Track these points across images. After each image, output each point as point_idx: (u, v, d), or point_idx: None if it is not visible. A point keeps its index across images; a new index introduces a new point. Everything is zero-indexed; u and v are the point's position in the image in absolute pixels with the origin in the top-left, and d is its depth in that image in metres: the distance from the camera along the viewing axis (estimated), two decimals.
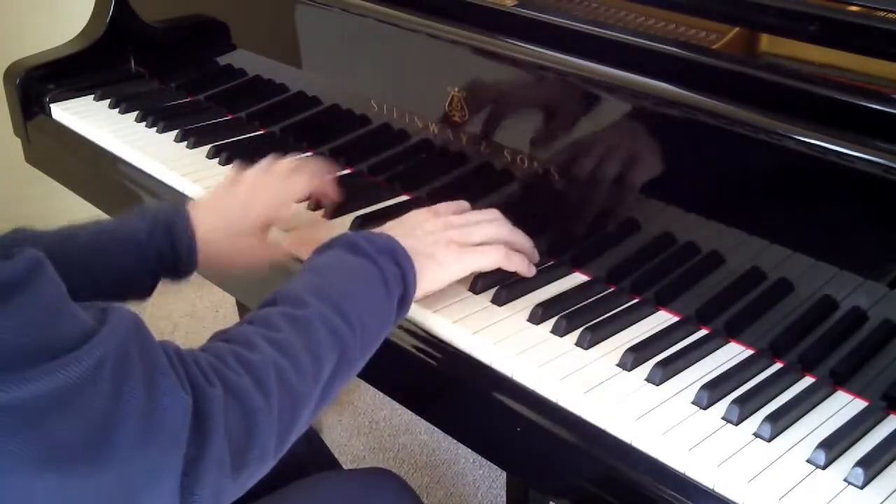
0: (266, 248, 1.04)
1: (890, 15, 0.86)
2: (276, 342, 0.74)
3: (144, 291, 0.96)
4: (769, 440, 0.79)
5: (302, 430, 0.76)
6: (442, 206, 0.99)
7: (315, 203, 1.14)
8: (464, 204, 1.01)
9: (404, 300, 0.87)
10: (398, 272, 0.86)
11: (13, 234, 0.91)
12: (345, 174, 1.24)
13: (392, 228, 0.94)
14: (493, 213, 0.99)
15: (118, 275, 0.93)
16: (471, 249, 0.94)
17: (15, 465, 0.56)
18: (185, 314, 2.29)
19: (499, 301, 0.96)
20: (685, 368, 0.87)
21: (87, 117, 1.43)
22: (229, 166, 1.25)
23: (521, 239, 0.99)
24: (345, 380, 0.82)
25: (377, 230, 0.93)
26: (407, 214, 0.97)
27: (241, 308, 1.78)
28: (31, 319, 0.57)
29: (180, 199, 1.23)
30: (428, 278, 0.90)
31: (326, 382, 0.78)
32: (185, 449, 0.63)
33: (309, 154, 1.25)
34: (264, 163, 1.06)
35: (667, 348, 0.89)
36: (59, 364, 0.57)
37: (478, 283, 0.98)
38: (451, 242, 0.93)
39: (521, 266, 0.97)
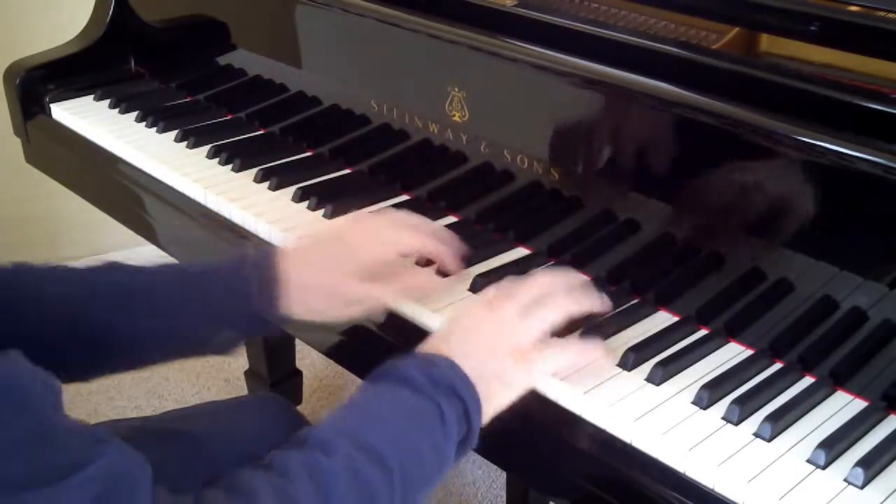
0: (363, 300, 0.92)
1: (890, 15, 0.86)
2: (285, 495, 0.67)
3: (225, 343, 0.91)
4: (769, 440, 0.79)
5: None
6: (493, 292, 0.87)
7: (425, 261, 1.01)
8: (515, 283, 0.87)
9: (467, 439, 0.78)
10: (461, 408, 0.77)
11: (107, 266, 0.89)
12: (345, 174, 1.24)
13: (449, 342, 0.82)
14: (550, 282, 0.87)
15: (198, 320, 0.88)
16: (540, 358, 0.83)
17: None
18: None
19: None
20: (685, 368, 0.87)
21: (87, 117, 1.43)
22: (233, 169, 1.25)
23: (587, 302, 0.87)
24: None
25: (433, 347, 0.82)
26: (461, 313, 0.86)
27: None
28: (8, 447, 0.54)
29: (179, 198, 1.23)
30: (494, 403, 0.81)
31: None
32: None
33: (406, 198, 1.14)
34: (374, 211, 0.98)
35: (667, 348, 0.89)
36: (40, 496, 0.54)
37: (478, 282, 0.98)
38: (517, 351, 0.82)
39: (597, 351, 0.87)
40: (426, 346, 0.83)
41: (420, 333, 0.94)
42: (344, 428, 0.74)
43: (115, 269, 0.89)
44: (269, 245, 1.08)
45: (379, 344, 0.97)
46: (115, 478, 0.59)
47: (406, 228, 0.95)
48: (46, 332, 0.84)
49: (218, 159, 1.28)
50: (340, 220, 0.97)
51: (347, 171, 1.25)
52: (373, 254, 0.92)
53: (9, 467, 0.55)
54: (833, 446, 0.77)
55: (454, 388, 0.77)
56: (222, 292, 0.88)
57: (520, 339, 0.83)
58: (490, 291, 0.88)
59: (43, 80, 1.49)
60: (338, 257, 0.91)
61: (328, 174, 1.24)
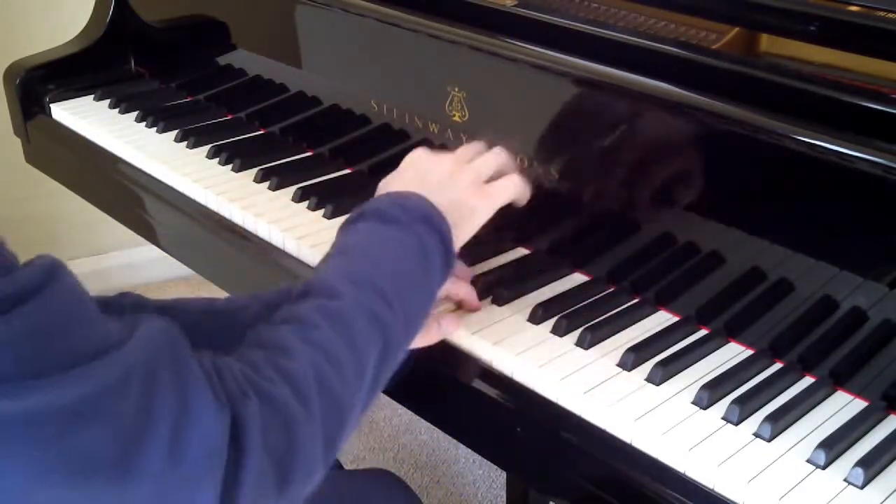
0: None
1: (890, 15, 0.86)
2: (313, 342, 0.71)
3: None
4: (769, 440, 0.79)
5: (352, 429, 0.73)
6: (433, 151, 0.94)
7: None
8: (447, 149, 0.96)
9: (447, 263, 0.83)
10: (437, 238, 0.82)
11: (119, 297, 0.87)
12: (345, 174, 1.24)
13: (407, 180, 0.89)
14: (480, 145, 0.96)
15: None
16: (492, 186, 0.91)
17: (41, 477, 0.54)
18: None
19: (499, 301, 0.96)
20: (685, 368, 0.87)
21: (87, 117, 1.43)
22: (233, 169, 1.25)
23: (511, 161, 0.95)
24: (393, 366, 0.78)
25: (395, 185, 0.88)
26: (409, 159, 0.92)
27: None
28: (44, 326, 0.55)
29: (179, 198, 1.23)
30: (463, 230, 0.87)
31: (374, 373, 0.74)
32: (222, 469, 0.61)
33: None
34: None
35: (667, 348, 0.89)
36: (75, 374, 0.55)
37: (478, 282, 0.98)
38: (473, 183, 0.89)
39: (527, 194, 0.94)
40: (385, 189, 0.89)
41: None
42: (341, 271, 0.77)
43: (131, 304, 0.86)
44: (298, 261, 1.07)
45: None
46: (159, 332, 0.62)
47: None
48: None
49: (218, 159, 1.28)
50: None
51: (347, 171, 1.25)
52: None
53: (76, 337, 0.56)
54: (833, 446, 0.77)
55: (430, 218, 0.82)
56: (237, 332, 0.87)
57: (472, 174, 0.90)
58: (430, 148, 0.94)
59: (43, 80, 1.49)
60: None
61: (328, 174, 1.24)
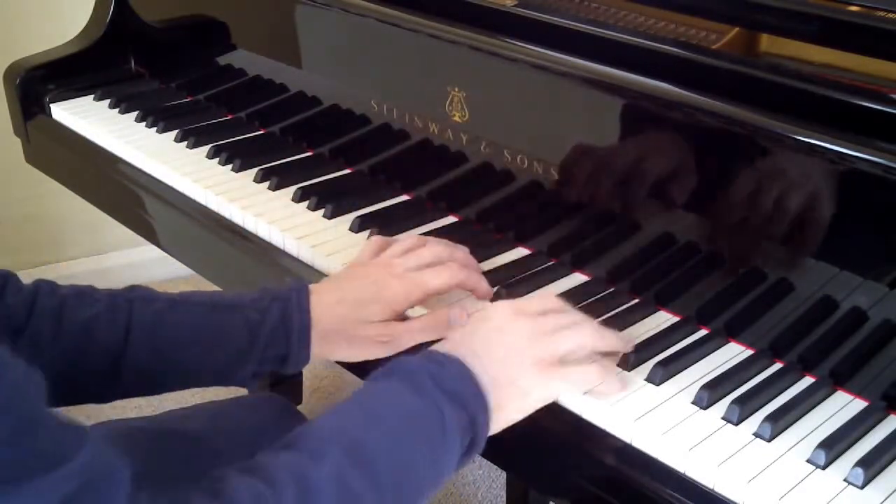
0: (386, 341, 0.90)
1: (890, 15, 0.86)
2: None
3: (247, 377, 0.88)
4: (769, 440, 0.79)
5: None
6: (527, 303, 0.84)
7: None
8: (552, 301, 0.86)
9: (473, 446, 0.75)
10: (465, 417, 0.73)
11: (128, 290, 0.88)
12: (345, 174, 1.24)
13: (469, 341, 0.79)
14: (580, 315, 0.85)
15: (223, 350, 0.87)
16: (560, 372, 0.80)
17: None
18: None
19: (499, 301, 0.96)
20: (685, 368, 0.87)
21: (87, 117, 1.43)
22: (233, 169, 1.25)
23: (612, 340, 0.85)
24: None
25: (452, 343, 0.79)
26: (487, 312, 0.83)
27: None
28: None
29: (179, 198, 1.23)
30: (508, 412, 0.78)
31: None
32: None
33: (454, 220, 1.10)
34: (406, 243, 0.96)
35: (667, 348, 0.89)
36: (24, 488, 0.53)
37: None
38: (538, 362, 0.79)
39: (615, 383, 0.83)
40: (446, 342, 0.80)
41: None
42: (338, 430, 0.71)
43: (140, 296, 0.88)
44: (298, 261, 1.07)
45: None
46: (97, 471, 0.58)
47: (436, 272, 0.92)
48: (63, 355, 0.84)
49: (218, 159, 1.28)
50: (374, 265, 0.94)
51: (347, 171, 1.25)
52: (404, 303, 0.91)
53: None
54: (833, 446, 0.77)
55: (460, 395, 0.73)
56: (242, 327, 0.87)
57: (545, 350, 0.79)
58: (525, 301, 0.85)
59: (43, 80, 1.49)
60: (368, 304, 0.90)
61: (328, 174, 1.24)
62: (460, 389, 0.74)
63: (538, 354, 0.79)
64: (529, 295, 0.96)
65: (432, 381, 0.73)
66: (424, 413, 0.72)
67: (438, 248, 0.95)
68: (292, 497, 0.65)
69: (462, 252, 0.97)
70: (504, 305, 0.83)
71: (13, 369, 0.56)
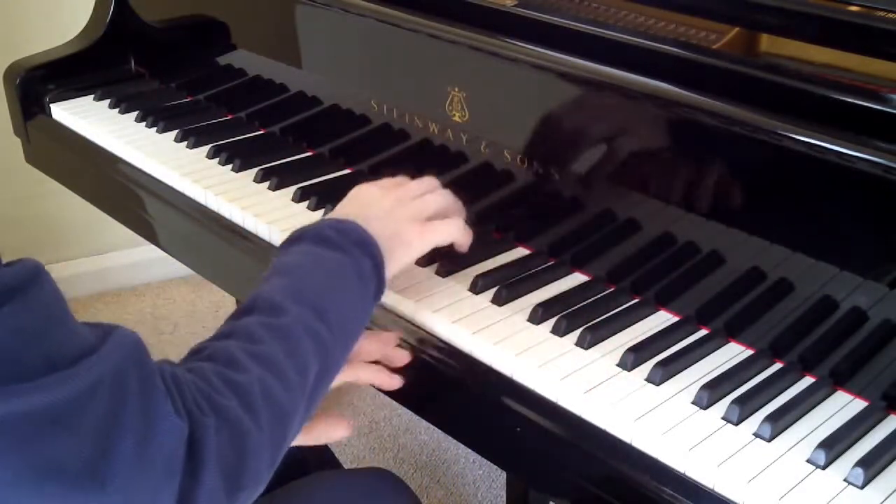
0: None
1: (890, 15, 0.86)
2: (259, 357, 0.72)
3: None
4: (769, 440, 0.79)
5: (293, 440, 0.75)
6: (385, 181, 0.97)
7: None
8: (404, 178, 0.98)
9: (379, 290, 0.86)
10: (371, 263, 0.85)
11: (102, 325, 0.89)
12: (345, 174, 1.24)
13: (347, 210, 0.92)
14: (433, 182, 0.98)
15: None
16: (431, 225, 0.93)
17: (11, 482, 0.55)
18: (185, 314, 2.29)
19: (499, 301, 0.96)
20: (685, 368, 0.87)
21: (87, 117, 1.43)
22: (233, 169, 1.25)
23: (460, 206, 0.98)
24: (328, 384, 0.80)
25: (338, 215, 0.91)
26: (354, 191, 0.95)
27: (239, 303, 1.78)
28: (27, 327, 0.56)
29: (179, 198, 1.23)
30: (396, 260, 0.90)
31: (312, 389, 0.76)
32: (180, 476, 0.62)
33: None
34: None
35: (667, 348, 0.89)
36: (54, 379, 0.56)
37: (478, 282, 0.98)
38: (411, 219, 0.92)
39: (468, 238, 0.97)
40: (329, 215, 0.91)
41: (419, 333, 0.94)
42: (286, 289, 0.79)
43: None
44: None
45: None
46: (129, 343, 0.62)
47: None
48: None
49: (218, 159, 1.28)
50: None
51: (347, 171, 1.25)
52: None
53: (53, 344, 0.57)
54: (833, 446, 0.77)
55: (366, 244, 0.85)
56: None
57: (413, 211, 0.92)
58: (381, 180, 0.97)
59: (43, 80, 1.49)
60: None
61: (328, 174, 1.24)
62: (363, 240, 0.85)
63: (410, 213, 0.92)
64: (516, 303, 0.97)
65: (339, 235, 0.84)
66: (344, 263, 0.83)
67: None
68: (273, 344, 0.74)
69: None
70: (365, 183, 0.96)
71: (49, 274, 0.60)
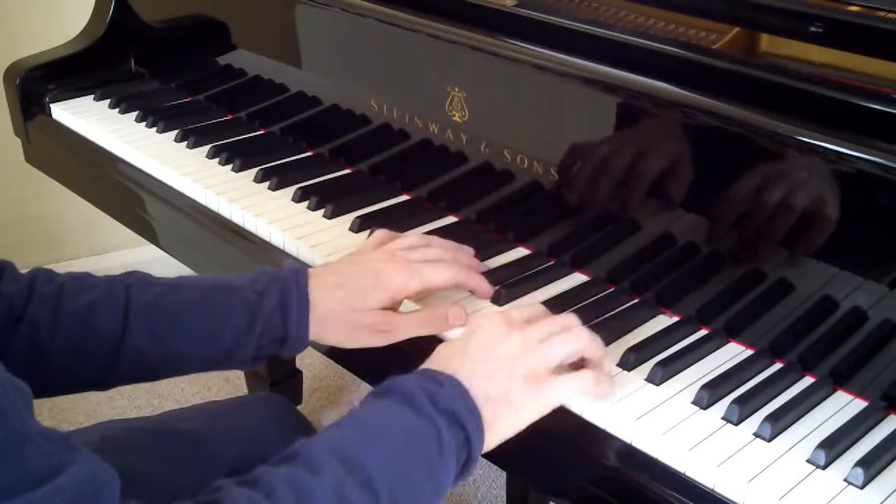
0: (390, 328, 0.90)
1: (890, 15, 0.86)
2: None
3: (246, 358, 0.88)
4: (769, 440, 0.79)
5: None
6: (516, 313, 0.83)
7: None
8: (539, 309, 0.85)
9: (467, 466, 0.75)
10: (462, 436, 0.73)
11: (126, 276, 0.88)
12: (345, 174, 1.24)
13: (461, 357, 0.78)
14: (571, 320, 0.84)
15: (221, 332, 0.86)
16: (552, 382, 0.79)
17: None
18: None
19: (498, 302, 0.96)
20: (685, 368, 0.87)
21: (87, 117, 1.43)
22: (234, 169, 1.25)
23: (599, 350, 0.83)
24: None
25: (444, 360, 0.78)
26: (477, 326, 0.81)
27: None
28: None
29: (179, 198, 1.23)
30: (500, 429, 0.77)
31: None
32: None
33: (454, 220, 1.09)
34: (411, 240, 0.96)
35: (667, 348, 0.89)
36: None
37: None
38: (530, 375, 0.78)
39: (607, 385, 0.83)
40: (437, 358, 0.79)
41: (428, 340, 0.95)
42: (338, 445, 0.70)
43: (138, 281, 0.88)
44: (298, 261, 1.07)
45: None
46: (86, 487, 0.57)
47: (437, 267, 0.92)
48: (62, 341, 0.84)
49: (218, 159, 1.28)
50: (376, 253, 0.94)
51: (347, 171, 1.25)
52: (403, 291, 0.90)
53: None
54: (833, 446, 0.77)
55: (457, 414, 0.73)
56: (240, 308, 0.87)
57: (536, 362, 0.78)
58: (513, 311, 0.83)
59: (43, 80, 1.49)
60: (367, 290, 0.89)
61: (328, 174, 1.24)
62: (457, 408, 0.73)
63: (530, 366, 0.78)
64: (516, 303, 0.95)
65: (429, 400, 0.73)
66: (422, 432, 0.72)
67: (442, 248, 0.96)
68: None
69: (465, 253, 0.98)
70: (494, 316, 0.82)
71: (0, 381, 0.55)
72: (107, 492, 0.59)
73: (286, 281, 0.88)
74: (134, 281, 0.88)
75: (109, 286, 0.87)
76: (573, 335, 0.81)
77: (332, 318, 0.89)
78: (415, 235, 0.98)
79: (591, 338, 0.82)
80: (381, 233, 0.99)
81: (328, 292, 0.89)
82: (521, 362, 0.78)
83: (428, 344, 0.87)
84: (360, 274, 0.90)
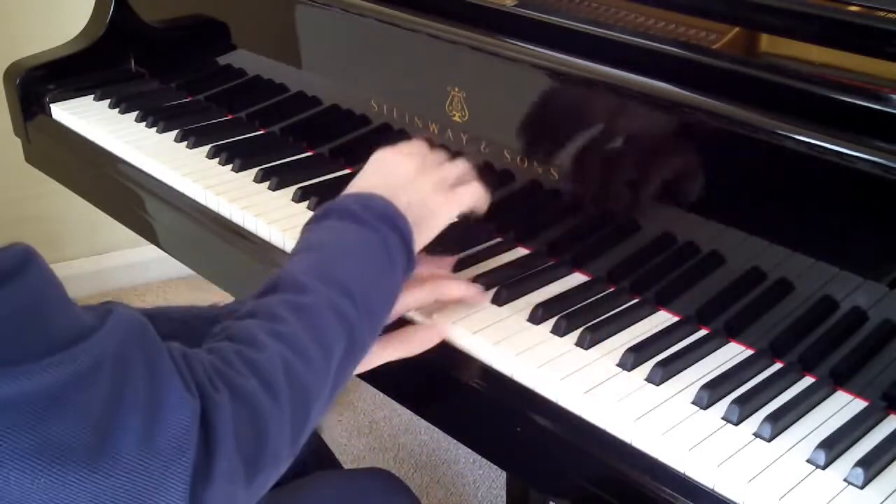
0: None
1: (890, 15, 0.86)
2: (281, 336, 0.71)
3: None
4: (769, 440, 0.79)
5: (317, 422, 0.74)
6: (404, 146, 0.96)
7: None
8: (421, 143, 0.97)
9: (409, 264, 0.85)
10: (399, 238, 0.83)
11: (103, 305, 0.89)
12: (345, 174, 1.24)
13: (372, 180, 0.90)
14: (445, 153, 0.96)
15: None
16: (455, 192, 0.92)
17: (15, 463, 0.55)
18: None
19: (499, 301, 0.96)
20: (685, 368, 0.87)
21: (87, 117, 1.43)
22: (233, 169, 1.25)
23: (475, 172, 0.96)
24: (356, 363, 0.79)
25: (362, 187, 0.89)
26: (376, 158, 0.93)
27: None
28: (22, 310, 0.55)
29: (179, 198, 1.23)
30: (425, 231, 0.89)
31: (337, 369, 0.75)
32: (192, 456, 0.61)
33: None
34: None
35: (667, 348, 0.89)
36: (51, 361, 0.55)
37: (478, 283, 0.98)
38: (437, 184, 0.91)
39: (487, 202, 0.96)
40: (355, 185, 0.90)
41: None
42: (310, 267, 0.78)
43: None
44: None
45: None
46: (133, 325, 0.62)
47: (415, 288, 0.92)
48: None
49: (218, 159, 1.28)
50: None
51: (347, 171, 1.25)
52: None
53: (48, 325, 0.57)
54: (833, 446, 0.77)
55: (392, 218, 0.83)
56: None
57: (439, 176, 0.91)
58: (399, 146, 0.95)
59: (43, 80, 1.49)
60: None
61: (328, 174, 1.24)
62: (389, 213, 0.84)
63: (434, 181, 0.91)
64: (514, 304, 0.96)
65: (366, 212, 0.83)
66: (370, 239, 0.82)
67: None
68: (296, 324, 0.72)
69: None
70: (385, 149, 0.94)
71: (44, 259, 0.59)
72: (149, 327, 0.63)
73: None
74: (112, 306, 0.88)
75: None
76: (457, 161, 0.95)
77: None
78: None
79: (469, 165, 0.96)
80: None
81: None
82: (425, 178, 0.91)
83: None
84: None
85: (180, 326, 0.87)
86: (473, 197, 0.94)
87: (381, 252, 0.82)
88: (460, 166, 0.95)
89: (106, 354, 0.59)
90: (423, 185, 0.90)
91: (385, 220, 0.83)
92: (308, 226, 0.86)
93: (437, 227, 0.91)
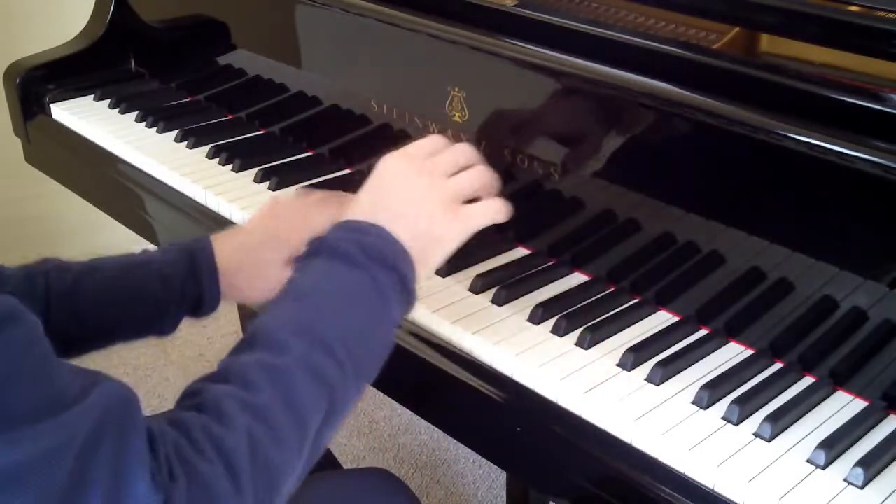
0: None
1: (890, 15, 0.86)
2: (253, 408, 0.66)
3: (167, 326, 0.91)
4: (769, 440, 0.79)
5: (291, 489, 0.69)
6: (414, 149, 0.85)
7: None
8: (435, 143, 0.86)
9: (406, 302, 0.78)
10: (396, 278, 0.76)
11: (42, 263, 0.88)
12: (345, 174, 1.24)
13: (374, 198, 0.81)
14: (468, 152, 0.86)
15: (143, 305, 0.89)
16: (468, 212, 0.83)
17: None
18: None
19: (499, 301, 0.96)
20: (685, 368, 0.87)
21: (87, 117, 1.43)
22: (234, 169, 1.25)
23: (496, 179, 0.86)
24: (337, 425, 0.74)
25: (362, 210, 0.80)
26: (380, 170, 0.83)
27: (241, 309, 1.78)
28: None
29: (179, 198, 1.23)
30: (429, 262, 0.81)
31: (315, 437, 0.70)
32: None
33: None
34: (299, 192, 1.00)
35: (667, 348, 0.89)
36: (15, 437, 0.53)
37: (478, 283, 0.98)
38: (446, 207, 0.81)
39: (508, 215, 0.86)
40: (355, 212, 0.81)
41: (420, 333, 0.94)
42: (289, 321, 0.73)
43: (55, 266, 0.89)
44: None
45: None
46: (114, 401, 0.60)
47: (334, 205, 0.93)
48: None
49: (218, 159, 1.28)
50: (271, 206, 0.98)
51: (347, 171, 1.25)
52: (304, 236, 0.88)
53: (16, 396, 0.55)
54: (833, 446, 0.77)
55: (388, 258, 0.76)
56: (156, 279, 0.89)
57: (448, 195, 0.82)
58: (411, 147, 0.85)
59: (43, 80, 1.49)
60: (269, 242, 0.93)
61: (328, 174, 1.24)
62: (386, 252, 0.77)
63: (443, 200, 0.82)
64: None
65: (359, 251, 0.76)
66: (360, 283, 0.75)
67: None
68: (270, 392, 0.67)
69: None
70: (396, 159, 0.84)
71: (30, 316, 0.57)
72: (134, 406, 0.61)
73: (191, 247, 0.91)
74: (51, 268, 0.88)
75: (27, 274, 0.87)
76: (477, 171, 0.84)
77: (238, 276, 0.92)
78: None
79: (490, 173, 0.85)
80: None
81: (232, 252, 0.92)
82: (435, 197, 0.81)
83: None
84: (257, 227, 0.95)
85: (118, 279, 0.90)
86: (488, 217, 0.84)
87: (373, 297, 0.75)
88: (478, 177, 0.85)
89: (77, 435, 0.56)
90: (431, 205, 0.81)
91: (380, 259, 0.76)
92: (297, 263, 0.79)
93: (445, 255, 0.83)
